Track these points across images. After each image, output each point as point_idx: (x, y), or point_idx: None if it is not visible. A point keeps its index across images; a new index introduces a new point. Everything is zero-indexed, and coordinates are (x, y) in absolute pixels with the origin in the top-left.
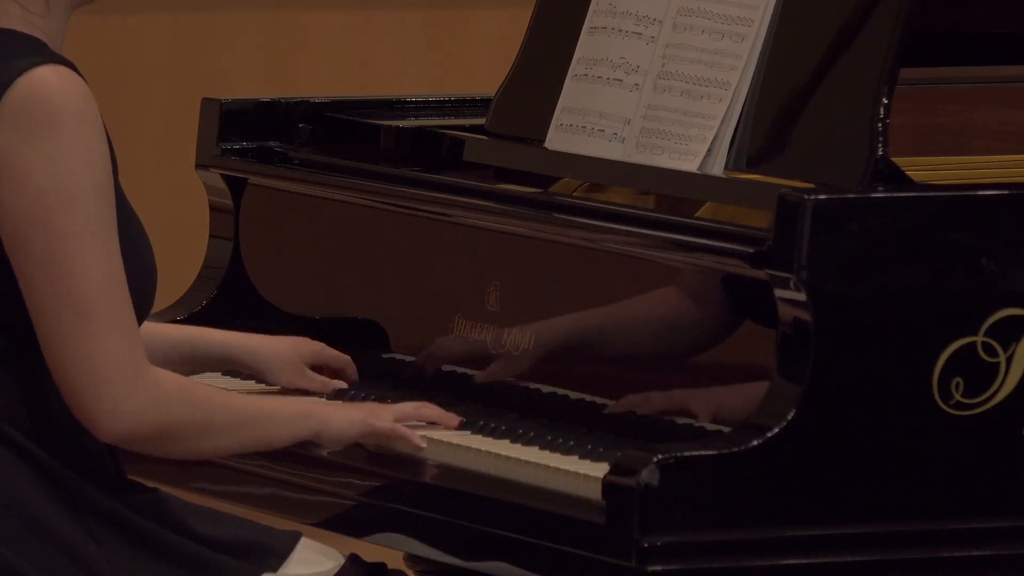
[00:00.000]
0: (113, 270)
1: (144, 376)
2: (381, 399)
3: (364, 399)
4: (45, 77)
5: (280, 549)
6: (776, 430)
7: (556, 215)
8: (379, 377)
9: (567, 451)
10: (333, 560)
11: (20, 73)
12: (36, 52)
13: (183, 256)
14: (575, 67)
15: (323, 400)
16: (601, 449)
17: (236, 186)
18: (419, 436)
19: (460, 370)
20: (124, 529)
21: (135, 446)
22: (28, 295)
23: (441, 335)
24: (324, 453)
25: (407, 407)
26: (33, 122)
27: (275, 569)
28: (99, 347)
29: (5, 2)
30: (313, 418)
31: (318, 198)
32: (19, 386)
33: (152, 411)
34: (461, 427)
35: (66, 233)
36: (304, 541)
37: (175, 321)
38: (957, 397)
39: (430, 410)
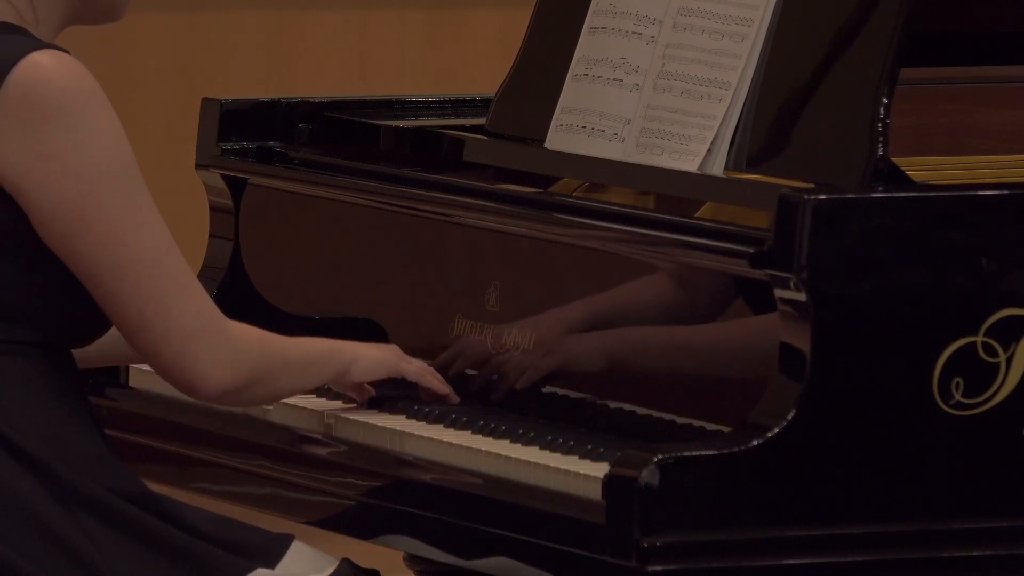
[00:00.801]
0: (163, 232)
1: (227, 328)
2: (382, 399)
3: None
4: (42, 62)
5: (273, 551)
6: (776, 430)
7: (556, 215)
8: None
9: (567, 451)
10: (326, 564)
11: (15, 61)
12: (27, 41)
13: (183, 256)
14: (575, 67)
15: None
16: (601, 449)
17: (236, 186)
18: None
19: (461, 370)
20: (117, 523)
21: (230, 398)
22: (94, 282)
23: (441, 335)
24: (319, 452)
25: (423, 365)
26: (45, 107)
27: (270, 567)
28: (180, 308)
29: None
30: (344, 353)
31: (318, 198)
32: (13, 380)
33: (244, 360)
34: (461, 427)
35: (114, 207)
36: (296, 544)
37: None
38: (957, 397)
39: (434, 378)
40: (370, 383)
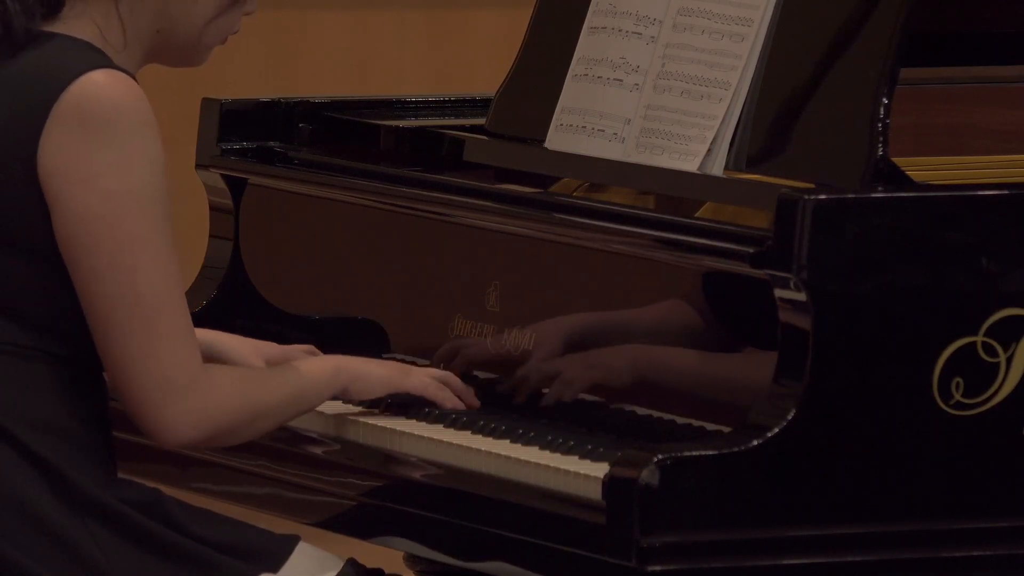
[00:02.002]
0: (174, 274)
1: (204, 380)
2: (381, 400)
3: None
4: (99, 80)
5: (278, 553)
6: (776, 430)
7: (556, 215)
8: None
9: (567, 451)
10: (331, 565)
11: (80, 74)
12: (98, 59)
13: (183, 256)
14: (575, 67)
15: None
16: (601, 449)
17: (236, 186)
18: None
19: (460, 371)
20: (122, 527)
21: (192, 449)
22: (89, 298)
23: (441, 335)
24: (320, 452)
25: (432, 374)
26: (98, 124)
27: (274, 571)
28: (164, 353)
29: (86, 22)
30: (345, 373)
31: (318, 198)
32: (20, 382)
33: (214, 416)
34: (461, 427)
35: (135, 237)
36: (302, 546)
37: None
38: (957, 397)
39: (455, 383)
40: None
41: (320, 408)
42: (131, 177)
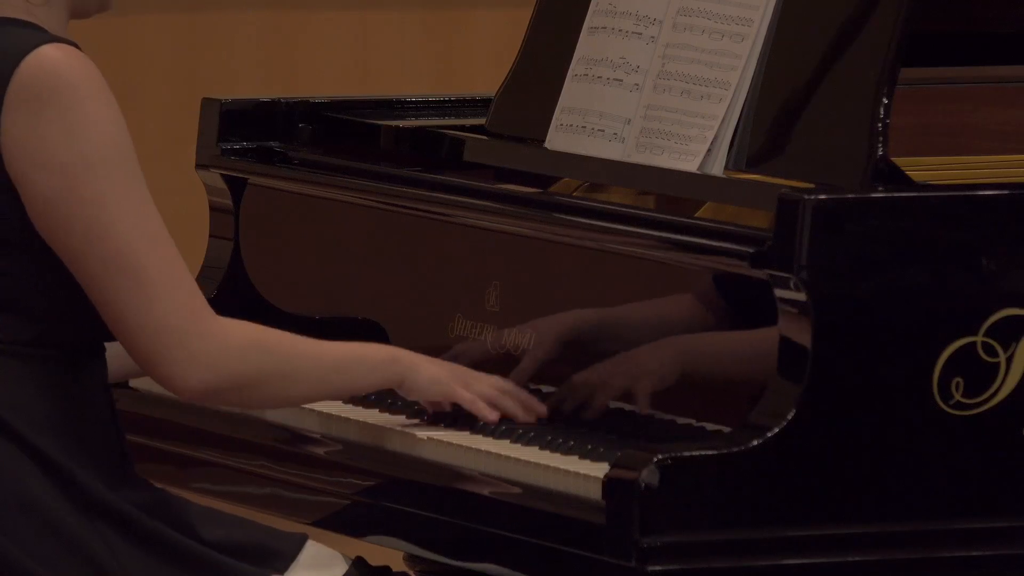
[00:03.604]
0: (152, 227)
1: (211, 326)
2: (382, 399)
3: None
4: (49, 54)
5: (286, 552)
6: (776, 430)
7: (556, 215)
8: None
9: (567, 451)
10: (339, 563)
11: (24, 54)
12: (38, 35)
13: (183, 256)
14: (575, 67)
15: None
16: (601, 449)
17: (236, 186)
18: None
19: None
20: (131, 528)
21: (218, 399)
22: (80, 273)
23: (441, 335)
24: (320, 452)
25: (494, 384)
26: (43, 98)
27: (281, 572)
28: (160, 304)
29: None
30: (401, 364)
31: (318, 198)
32: (28, 381)
33: (226, 360)
34: (461, 427)
35: (98, 200)
36: (310, 544)
37: None
38: (957, 397)
39: (513, 399)
40: None
41: (320, 408)
42: (83, 144)
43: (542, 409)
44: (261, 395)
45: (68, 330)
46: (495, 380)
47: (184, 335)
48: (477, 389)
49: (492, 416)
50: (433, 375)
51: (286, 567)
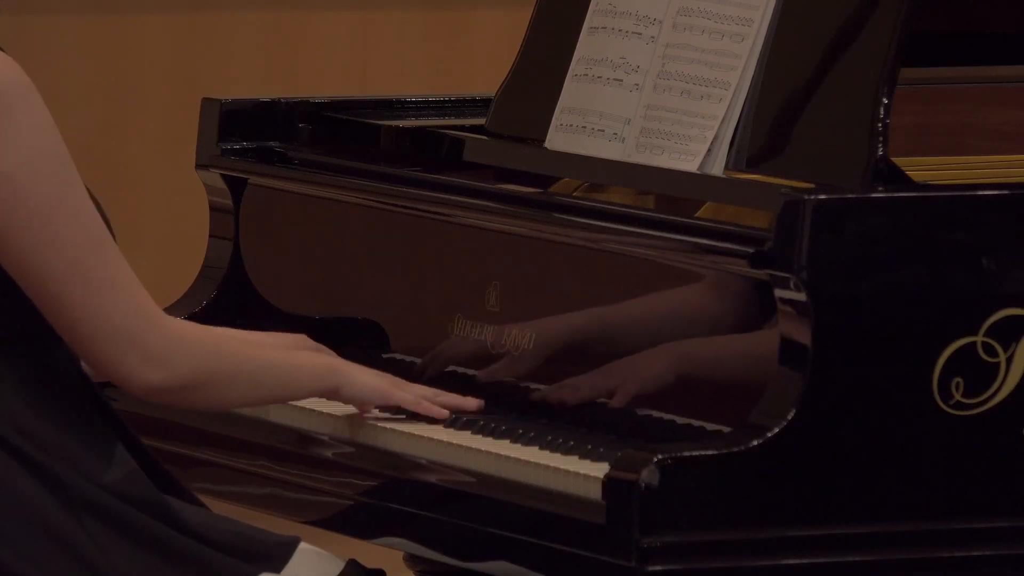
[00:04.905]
0: (95, 229)
1: (162, 326)
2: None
3: None
4: None
5: (279, 553)
6: (776, 430)
7: (556, 215)
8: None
9: (567, 451)
10: (332, 566)
11: None
12: None
13: (183, 256)
14: (575, 67)
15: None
16: (601, 449)
17: (236, 186)
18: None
19: (460, 370)
20: (121, 527)
21: (168, 398)
22: (28, 282)
23: (441, 335)
24: (321, 452)
25: (426, 391)
26: None
27: (276, 571)
28: (113, 309)
29: None
30: (339, 373)
31: (318, 198)
32: (15, 382)
33: (178, 360)
34: (461, 427)
35: (43, 207)
36: (303, 547)
37: None
38: (957, 397)
39: (447, 398)
40: None
41: (326, 409)
42: (20, 152)
43: (478, 403)
44: (205, 398)
45: (29, 321)
46: (424, 389)
47: (138, 336)
48: (415, 391)
49: (441, 412)
50: (371, 384)
51: (279, 568)
